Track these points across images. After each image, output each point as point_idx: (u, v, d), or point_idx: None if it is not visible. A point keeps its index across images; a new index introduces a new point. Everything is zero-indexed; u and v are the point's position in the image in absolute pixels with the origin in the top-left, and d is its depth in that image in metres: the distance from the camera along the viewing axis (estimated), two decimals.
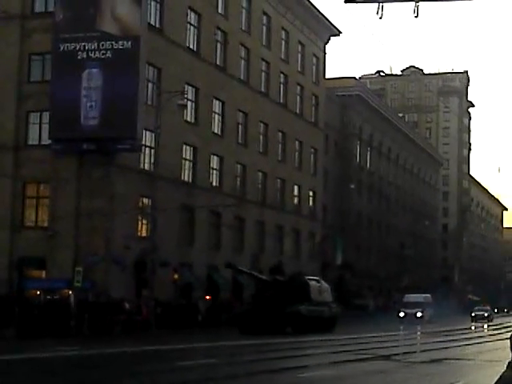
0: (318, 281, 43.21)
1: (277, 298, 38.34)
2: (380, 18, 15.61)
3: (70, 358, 21.80)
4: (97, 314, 33.80)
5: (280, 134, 61.82)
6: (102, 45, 40.60)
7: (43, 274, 41.74)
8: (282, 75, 62.22)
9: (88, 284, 37.18)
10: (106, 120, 40.11)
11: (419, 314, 62.30)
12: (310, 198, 68.14)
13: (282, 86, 62.41)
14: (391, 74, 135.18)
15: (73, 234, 40.70)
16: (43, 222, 42.36)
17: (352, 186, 79.17)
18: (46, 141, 41.89)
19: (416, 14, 15.57)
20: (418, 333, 44.79)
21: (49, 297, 35.84)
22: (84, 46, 40.75)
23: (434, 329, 48.90)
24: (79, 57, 40.78)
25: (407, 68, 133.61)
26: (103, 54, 40.62)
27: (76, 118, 40.44)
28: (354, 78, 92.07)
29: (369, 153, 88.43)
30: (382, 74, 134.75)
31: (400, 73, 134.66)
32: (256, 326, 36.89)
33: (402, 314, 62.18)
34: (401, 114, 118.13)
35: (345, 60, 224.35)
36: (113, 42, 40.48)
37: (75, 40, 40.78)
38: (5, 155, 42.32)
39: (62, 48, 41.02)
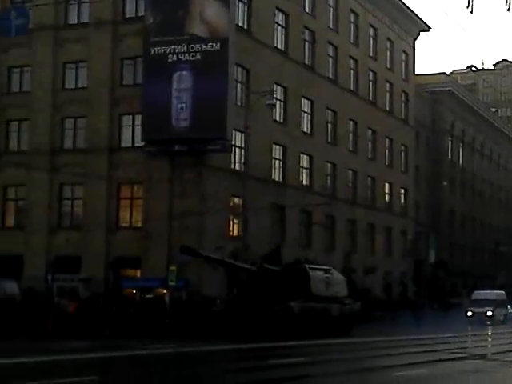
0: (326, 271, 35.30)
1: (264, 292, 31.43)
2: (471, 12, 15.37)
3: (166, 355, 22.17)
4: (191, 312, 34.20)
5: (370, 131, 61.34)
6: (192, 47, 41.14)
7: (138, 273, 42.59)
8: (370, 72, 61.72)
9: (182, 283, 37.67)
10: (197, 121, 40.61)
11: (489, 313, 55.29)
12: (402, 196, 67.36)
13: (370, 83, 61.91)
14: (483, 69, 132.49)
15: (166, 234, 41.34)
16: (137, 223, 43.18)
17: (445, 183, 77.91)
18: (138, 143, 42.72)
19: (508, 7, 15.29)
20: (489, 333, 41.72)
21: (145, 295, 36.52)
22: (174, 48, 41.38)
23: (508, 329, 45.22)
24: (169, 60, 41.42)
25: (499, 62, 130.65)
26: (193, 57, 41.15)
27: (167, 119, 41.10)
28: (445, 73, 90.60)
29: (461, 149, 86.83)
30: (473, 68, 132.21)
31: (492, 67, 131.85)
32: (233, 329, 30.18)
33: (469, 313, 55.47)
34: (493, 109, 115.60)
35: (435, 56, 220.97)
36: (202, 45, 40.95)
37: (165, 43, 41.45)
38: (99, 157, 43.34)
39: (152, 52, 41.76)
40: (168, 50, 41.41)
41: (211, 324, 31.52)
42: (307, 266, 34.21)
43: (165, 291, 36.42)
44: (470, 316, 55.12)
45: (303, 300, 31.89)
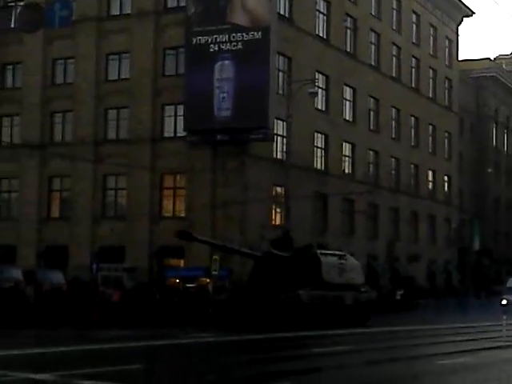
0: (340, 256, 33.07)
1: (271, 279, 29.98)
2: None
3: (210, 344, 22.32)
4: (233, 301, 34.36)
5: (412, 118, 60.85)
6: (233, 37, 41.19)
7: (181, 262, 42.88)
8: (413, 59, 61.18)
9: (225, 272, 37.84)
10: (239, 110, 40.68)
11: None
12: (445, 183, 66.79)
13: (413, 70, 61.38)
14: None
15: (208, 224, 41.52)
16: (180, 212, 43.44)
17: (489, 170, 77.02)
18: (181, 133, 42.96)
19: None
20: None
21: (188, 285, 36.78)
22: (216, 38, 41.46)
23: None
24: (211, 49, 41.52)
25: None
26: (234, 46, 41.19)
27: (209, 109, 41.23)
28: (489, 59, 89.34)
29: (506, 135, 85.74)
30: None
31: None
32: (237, 319, 29.05)
33: (504, 302, 51.40)
34: None
35: (479, 41, 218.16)
36: (243, 34, 40.96)
37: (207, 33, 41.56)
38: (143, 148, 43.65)
39: (194, 41, 41.89)
40: (210, 39, 41.51)
41: (215, 313, 31.11)
42: (318, 251, 32.20)
43: (208, 280, 36.62)
44: (505, 305, 51.31)
45: (313, 287, 30.05)
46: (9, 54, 47.70)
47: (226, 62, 41.36)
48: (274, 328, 26.57)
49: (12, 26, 30.32)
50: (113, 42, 45.22)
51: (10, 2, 45.58)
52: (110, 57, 45.73)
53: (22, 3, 37.07)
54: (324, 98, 49.33)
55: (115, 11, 46.11)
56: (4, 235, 45.47)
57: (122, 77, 45.38)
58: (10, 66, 48.33)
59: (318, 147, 48.83)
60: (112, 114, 45.49)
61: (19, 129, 47.21)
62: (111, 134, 45.47)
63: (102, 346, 19.88)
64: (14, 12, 31.63)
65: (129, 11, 45.35)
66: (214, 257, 37.09)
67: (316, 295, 29.90)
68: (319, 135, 48.88)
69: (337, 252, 33.74)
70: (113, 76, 45.69)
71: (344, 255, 33.41)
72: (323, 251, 32.71)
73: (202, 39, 41.69)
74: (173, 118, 44.07)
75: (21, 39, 45.18)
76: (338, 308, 30.57)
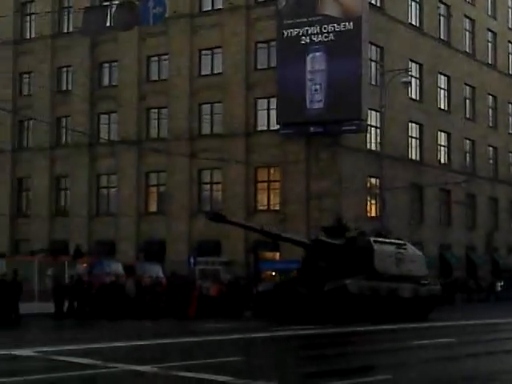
0: (399, 245, 30.62)
1: (320, 269, 28.23)
2: None
3: (306, 336, 22.32)
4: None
5: (510, 106, 59.34)
6: (325, 28, 41.02)
7: (277, 255, 42.99)
8: (510, 45, 59.66)
9: None
10: (331, 102, 40.51)
11: None
12: None
13: (510, 56, 59.84)
14: None
15: (303, 216, 41.51)
16: (275, 205, 43.55)
17: None
18: (274, 126, 43.06)
19: None
20: None
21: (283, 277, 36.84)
22: (307, 30, 41.37)
23: None
24: (303, 41, 41.46)
25: None
26: (326, 37, 41.02)
27: (302, 101, 41.20)
28: None
29: None
30: None
31: None
32: (280, 311, 27.53)
33: None
34: None
35: None
36: (335, 25, 40.73)
37: (298, 25, 41.51)
38: (237, 142, 43.95)
39: (285, 34, 41.91)
40: (301, 31, 41.46)
41: (254, 305, 30.23)
42: (373, 239, 29.83)
43: None
44: None
45: (364, 278, 27.95)
46: (105, 53, 48.74)
47: (318, 53, 41.24)
48: (320, 321, 25.35)
49: (108, 24, 31.00)
50: (205, 37, 45.65)
51: (105, 1, 46.51)
52: (203, 52, 46.17)
53: (116, 2, 37.76)
54: (418, 87, 48.63)
55: (207, 7, 46.52)
56: (104, 230, 46.58)
57: (215, 72, 45.77)
58: (107, 65, 49.35)
59: (412, 137, 48.19)
60: (206, 108, 45.95)
61: (116, 126, 48.20)
62: (205, 129, 45.93)
63: (201, 339, 20.13)
64: (109, 11, 32.30)
65: (220, 6, 45.68)
66: None
67: (366, 286, 27.79)
68: (413, 125, 48.23)
69: (395, 241, 31.28)
70: (206, 71, 46.13)
71: (403, 244, 31.11)
72: (378, 239, 30.26)
73: (294, 31, 41.68)
74: (266, 111, 44.19)
75: (116, 38, 46.10)
76: (392, 301, 28.40)
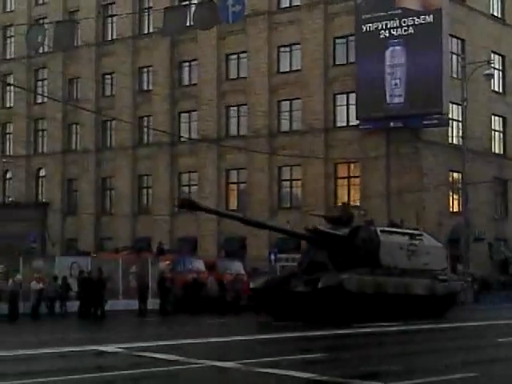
0: (413, 236, 27.73)
1: (317, 263, 25.86)
2: None
3: (388, 333, 22.12)
4: None
5: None
6: (404, 21, 40.56)
7: None
8: None
9: None
10: (411, 96, 40.05)
11: None
12: None
13: None
14: None
15: (384, 212, 41.14)
16: (355, 201, 43.29)
17: None
18: (353, 121, 42.82)
19: None
20: None
21: None
22: (386, 24, 40.99)
23: None
24: (381, 36, 41.10)
25: None
26: (405, 31, 40.56)
27: (381, 96, 40.85)
28: None
29: None
30: None
31: None
32: (269, 309, 25.81)
33: None
34: None
35: None
36: (414, 18, 40.25)
37: (377, 19, 41.17)
38: (316, 138, 43.87)
39: (364, 29, 41.61)
40: (380, 25, 41.12)
41: (249, 302, 28.69)
42: (379, 228, 27.09)
43: None
44: None
45: (366, 273, 25.39)
46: (185, 52, 49.26)
47: (398, 47, 40.81)
48: (315, 320, 23.14)
49: (187, 24, 31.32)
50: (283, 34, 45.67)
51: (185, 1, 47.01)
52: (281, 49, 46.21)
53: (196, 1, 38.10)
54: (501, 80, 47.62)
55: (285, 3, 46.54)
56: (186, 227, 47.08)
57: (294, 68, 45.75)
58: (186, 64, 49.87)
59: (495, 130, 47.26)
60: (285, 105, 45.98)
61: (197, 124, 48.67)
62: (284, 126, 45.96)
63: (282, 335, 20.14)
64: (188, 10, 32.64)
65: (298, 3, 45.64)
66: None
67: (368, 282, 25.10)
68: (496, 118, 47.28)
69: (409, 231, 28.53)
70: (284, 68, 46.15)
71: (419, 235, 28.14)
72: (386, 229, 27.61)
73: (372, 26, 41.36)
74: (345, 106, 43.97)
75: (195, 37, 46.54)
76: (402, 298, 25.60)
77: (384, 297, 25.05)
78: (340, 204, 31.02)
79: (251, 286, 27.14)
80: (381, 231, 26.78)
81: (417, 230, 29.43)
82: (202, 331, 21.25)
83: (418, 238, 27.81)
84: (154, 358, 14.70)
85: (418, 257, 27.20)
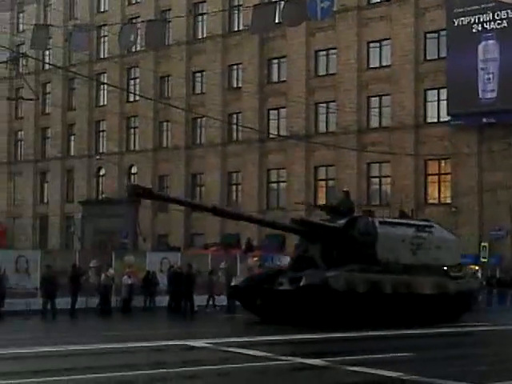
0: (420, 228, 24.72)
1: (307, 258, 23.59)
2: None
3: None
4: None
5: None
6: (497, 15, 39.73)
7: None
8: None
9: (496, 259, 36.65)
10: (505, 91, 39.20)
11: None
12: None
13: None
14: None
15: (476, 209, 40.40)
16: (446, 199, 42.63)
17: None
18: (444, 117, 42.16)
19: None
20: None
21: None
22: (478, 18, 40.22)
23: None
24: (474, 30, 40.34)
25: None
26: (499, 24, 39.73)
27: (473, 92, 40.10)
28: None
29: None
30: None
31: None
32: (251, 308, 23.98)
33: None
34: None
35: None
36: (508, 11, 39.37)
37: (469, 13, 40.45)
38: (406, 134, 43.35)
39: (456, 23, 40.93)
40: (472, 19, 40.38)
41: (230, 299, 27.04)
42: (379, 219, 24.44)
43: (477, 268, 35.67)
44: None
45: (359, 269, 22.74)
46: (274, 49, 49.40)
47: (490, 41, 39.98)
48: (298, 322, 21.05)
49: (276, 21, 31.36)
50: (373, 29, 45.29)
51: None
52: (371, 45, 45.83)
53: None
54: None
55: None
56: None
57: (384, 64, 45.32)
58: (276, 61, 49.99)
59: None
60: (374, 101, 45.60)
61: (285, 121, 48.74)
62: (374, 122, 45.59)
63: (370, 334, 19.97)
64: (277, 7, 32.65)
65: None
66: (483, 244, 36.03)
67: (358, 280, 22.33)
68: None
69: (417, 222, 25.77)
70: (374, 63, 45.76)
71: (428, 226, 25.08)
72: (387, 220, 25.09)
73: (465, 20, 40.65)
74: (435, 102, 43.30)
75: (284, 34, 46.60)
76: (402, 298, 22.76)
77: (380, 297, 22.33)
78: (343, 191, 27.50)
79: (232, 283, 25.21)
80: (380, 222, 23.97)
81: (427, 220, 26.58)
82: (290, 327, 21.17)
83: (426, 230, 24.75)
84: (242, 353, 14.80)
85: (425, 251, 24.20)
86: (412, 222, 25.42)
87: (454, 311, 24.26)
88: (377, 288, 22.44)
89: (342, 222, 23.69)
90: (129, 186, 22.68)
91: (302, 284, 21.55)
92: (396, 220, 25.22)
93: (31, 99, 49.45)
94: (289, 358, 14.19)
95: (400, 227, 24.25)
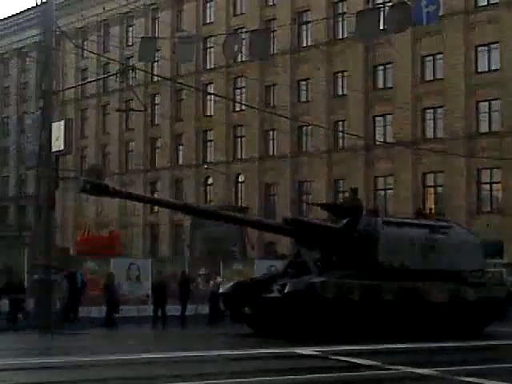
0: (435, 228, 21.94)
1: (301, 263, 21.40)
2: None
3: None
4: None
5: None
6: None
7: None
8: None
9: None
10: None
11: None
12: None
13: None
14: None
15: None
16: None
17: None
18: None
19: None
20: None
21: None
22: None
23: None
24: None
25: None
26: None
27: None
28: None
29: None
30: None
31: None
32: (247, 317, 21.55)
33: None
34: None
35: None
36: None
37: None
38: None
39: None
40: None
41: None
42: (383, 219, 22.11)
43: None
44: None
45: (353, 275, 20.27)
46: (379, 56, 49.07)
47: None
48: (288, 334, 19.36)
49: (381, 27, 31.15)
50: (481, 33, 44.41)
51: (378, 4, 46.80)
52: (479, 48, 44.95)
53: (389, 4, 37.85)
54: None
55: (483, 2, 45.26)
56: None
57: (492, 68, 44.38)
58: (381, 67, 49.64)
59: None
60: (483, 106, 44.66)
61: (391, 127, 48.29)
62: (483, 127, 44.63)
63: (481, 343, 19.50)
64: (381, 13, 32.40)
65: (497, 0, 44.24)
66: None
67: (351, 286, 19.98)
68: None
69: (431, 222, 22.81)
70: (482, 68, 44.84)
71: (444, 227, 22.35)
72: (392, 220, 22.83)
73: None
74: None
75: (389, 40, 46.17)
76: (408, 307, 20.35)
77: (380, 304, 20.07)
78: (351, 188, 25.62)
79: (220, 290, 23.03)
80: (384, 222, 21.44)
81: (445, 221, 24.23)
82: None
83: (442, 231, 21.97)
84: (350, 361, 14.72)
85: (439, 255, 21.47)
86: (426, 222, 22.69)
87: (473, 322, 21.57)
88: (375, 295, 20.19)
89: (343, 222, 21.44)
90: (81, 181, 19.45)
91: (286, 291, 19.57)
92: (406, 220, 23.13)
93: (140, 110, 50.59)
94: (398, 367, 14.01)
95: (409, 228, 21.82)
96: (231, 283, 22.49)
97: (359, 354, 15.79)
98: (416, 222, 22.71)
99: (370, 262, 20.64)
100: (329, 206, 24.58)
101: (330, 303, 19.44)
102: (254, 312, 20.81)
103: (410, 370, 13.74)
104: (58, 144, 24.39)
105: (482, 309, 21.64)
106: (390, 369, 13.81)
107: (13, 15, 75.86)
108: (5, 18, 76.86)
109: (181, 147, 61.89)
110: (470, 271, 22.59)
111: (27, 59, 72.91)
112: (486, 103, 44.54)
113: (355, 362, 14.60)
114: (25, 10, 72.05)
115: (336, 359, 15.16)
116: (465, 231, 23.80)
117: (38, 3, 24.57)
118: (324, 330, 19.03)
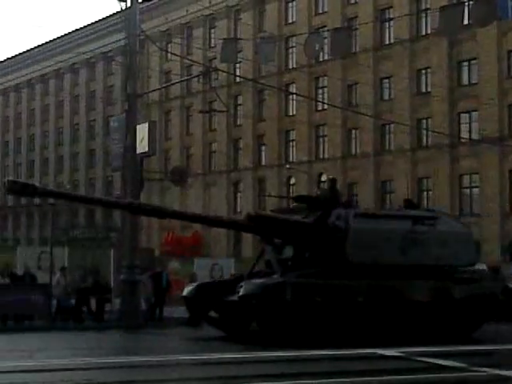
0: (420, 219, 19.40)
1: (267, 261, 20.19)
2: None
3: None
4: None
5: None
6: None
7: None
8: None
9: None
10: None
11: None
12: None
13: None
14: None
15: None
16: None
17: None
18: None
19: None
20: None
21: None
22: None
23: None
24: None
25: None
26: None
27: None
28: None
29: None
30: None
31: None
32: (215, 321, 20.30)
33: None
34: None
35: None
36: None
37: None
38: None
39: None
40: None
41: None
42: (355, 211, 19.75)
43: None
44: None
45: (316, 274, 18.33)
46: (463, 51, 48.31)
47: None
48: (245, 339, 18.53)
49: (465, 22, 30.61)
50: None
51: None
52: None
53: None
54: None
55: None
56: None
57: None
58: (466, 63, 48.86)
59: None
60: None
61: (477, 124, 47.49)
62: None
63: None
64: (465, 8, 31.84)
65: None
66: None
67: (312, 286, 18.11)
68: None
69: (416, 213, 20.23)
70: None
71: (430, 218, 19.74)
72: (370, 212, 21.19)
73: None
74: None
75: (474, 35, 45.41)
76: (382, 307, 18.38)
77: (350, 306, 18.19)
78: (329, 178, 23.79)
79: (183, 293, 20.90)
80: (356, 215, 19.21)
81: (432, 211, 22.18)
82: (479, 336, 20.43)
83: (426, 222, 19.41)
84: (436, 363, 14.50)
85: (423, 249, 19.07)
86: (410, 213, 20.12)
87: (462, 322, 19.25)
88: (342, 295, 18.27)
89: (316, 215, 19.34)
90: (7, 181, 17.85)
91: (240, 294, 18.00)
92: (383, 212, 21.57)
93: (223, 111, 51.04)
94: (483, 368, 13.74)
95: (387, 220, 19.66)
96: (194, 285, 20.86)
97: (446, 355, 15.56)
98: (398, 213, 20.74)
99: (338, 258, 18.65)
100: (304, 198, 22.53)
101: (289, 306, 17.75)
102: (219, 316, 19.82)
103: (496, 371, 13.48)
104: (142, 146, 24.80)
105: (471, 307, 19.32)
106: (473, 370, 13.57)
107: (98, 20, 77.54)
108: (91, 24, 78.56)
109: (263, 147, 62.13)
110: (458, 266, 20.03)
111: (113, 63, 74.44)
112: None
113: (440, 364, 14.39)
114: (110, 16, 73.46)
115: (418, 360, 14.97)
116: (454, 222, 21.49)
117: (123, 8, 24.93)
118: (289, 335, 17.51)
